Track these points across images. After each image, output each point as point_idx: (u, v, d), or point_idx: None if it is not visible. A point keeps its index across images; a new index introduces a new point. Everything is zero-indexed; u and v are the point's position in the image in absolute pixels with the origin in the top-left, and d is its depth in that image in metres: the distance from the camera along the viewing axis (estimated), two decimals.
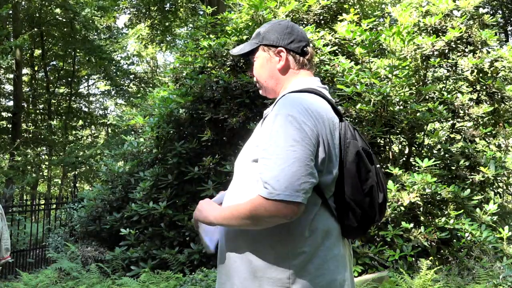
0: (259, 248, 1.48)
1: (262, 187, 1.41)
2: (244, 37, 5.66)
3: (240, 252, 1.51)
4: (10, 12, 14.52)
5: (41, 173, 17.24)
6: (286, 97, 1.54)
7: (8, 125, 17.20)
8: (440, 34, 5.33)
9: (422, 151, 5.59)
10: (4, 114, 17.69)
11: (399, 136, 5.68)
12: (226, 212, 1.50)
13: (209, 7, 7.19)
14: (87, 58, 17.43)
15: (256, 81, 1.73)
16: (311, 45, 1.75)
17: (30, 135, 17.57)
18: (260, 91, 1.75)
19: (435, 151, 5.56)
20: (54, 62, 19.30)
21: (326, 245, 1.50)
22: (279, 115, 1.46)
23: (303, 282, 1.45)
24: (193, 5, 17.73)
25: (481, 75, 5.36)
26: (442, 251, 4.64)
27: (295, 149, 1.40)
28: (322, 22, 6.16)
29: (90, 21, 15.47)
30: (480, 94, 5.50)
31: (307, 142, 1.42)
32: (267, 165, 1.41)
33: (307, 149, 1.41)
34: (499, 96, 5.38)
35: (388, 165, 5.03)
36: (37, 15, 15.94)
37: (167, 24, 18.15)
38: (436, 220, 4.55)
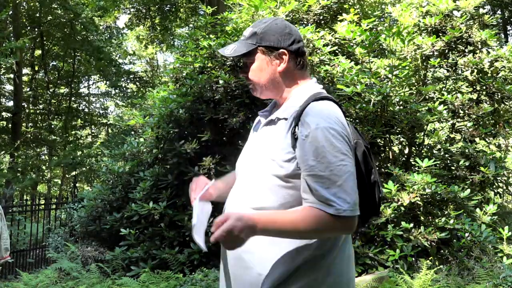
0: (285, 256, 1.45)
1: (320, 203, 1.38)
2: None
3: (264, 261, 1.46)
4: (10, 12, 14.52)
5: (41, 174, 17.21)
6: (314, 107, 1.47)
7: (8, 125, 17.20)
8: (440, 34, 5.33)
9: (422, 151, 5.58)
10: (4, 114, 17.69)
11: (399, 136, 5.68)
12: (270, 226, 1.39)
13: (209, 7, 7.19)
14: (87, 59, 17.43)
15: (251, 82, 1.63)
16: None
17: (30, 136, 17.57)
18: (254, 93, 1.65)
19: (435, 151, 5.56)
20: (54, 62, 19.30)
21: (345, 246, 1.53)
22: (319, 129, 1.41)
23: (330, 282, 1.46)
24: (193, 5, 17.72)
25: (481, 75, 5.36)
26: (442, 251, 4.64)
27: (346, 162, 1.40)
28: (322, 22, 6.16)
29: (90, 22, 15.46)
30: (480, 94, 5.50)
31: (351, 154, 1.45)
32: (321, 182, 1.38)
33: (352, 161, 1.44)
34: (499, 96, 5.39)
35: (388, 165, 5.03)
36: (37, 15, 15.94)
37: (167, 24, 18.16)
38: (436, 220, 4.55)
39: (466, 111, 5.24)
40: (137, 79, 20.64)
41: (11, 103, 17.54)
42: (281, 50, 1.57)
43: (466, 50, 5.39)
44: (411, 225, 4.46)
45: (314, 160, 1.39)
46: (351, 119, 5.08)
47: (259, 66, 1.59)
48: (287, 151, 1.45)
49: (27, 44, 13.13)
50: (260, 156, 1.52)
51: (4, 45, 13.00)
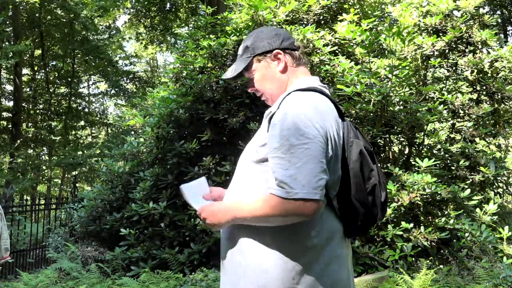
0: (263, 248, 1.47)
1: (275, 186, 1.40)
2: (244, 37, 5.65)
3: (245, 253, 1.50)
4: (10, 13, 14.51)
5: (41, 174, 17.21)
6: (292, 95, 1.53)
7: (8, 125, 17.21)
8: (441, 34, 5.33)
9: (422, 151, 5.59)
10: (4, 114, 17.69)
11: (399, 136, 5.68)
12: (238, 215, 1.49)
13: (209, 7, 7.20)
14: (85, 59, 17.43)
15: (260, 93, 1.70)
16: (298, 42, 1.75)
17: (30, 136, 17.58)
18: (268, 102, 1.71)
19: (435, 151, 5.57)
20: (54, 62, 19.30)
21: (330, 246, 1.50)
22: (288, 114, 1.45)
23: (308, 283, 1.44)
24: (193, 5, 17.72)
25: (481, 75, 5.37)
26: (442, 251, 4.64)
27: (309, 146, 1.40)
28: (322, 22, 6.16)
29: (90, 22, 15.46)
30: (480, 94, 5.51)
31: (319, 140, 1.42)
32: (281, 164, 1.40)
33: (319, 146, 1.42)
34: (499, 96, 5.39)
35: (388, 165, 5.03)
36: (37, 15, 15.93)
37: (167, 24, 18.16)
38: (436, 220, 4.55)
39: (466, 111, 5.24)
40: (137, 79, 20.66)
41: (11, 103, 17.55)
42: (275, 51, 1.64)
43: (466, 50, 5.39)
44: (411, 225, 4.46)
45: (278, 143, 1.43)
46: (351, 119, 5.08)
47: (261, 74, 1.66)
48: (264, 137, 1.51)
49: (28, 49, 13.10)
50: (248, 147, 1.60)
51: (4, 46, 12.98)
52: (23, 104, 17.13)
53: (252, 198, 1.48)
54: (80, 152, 16.04)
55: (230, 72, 1.70)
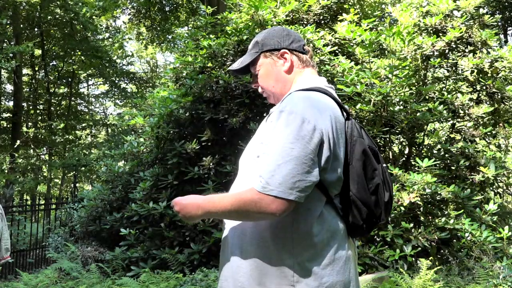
0: (263, 245, 1.47)
1: (258, 180, 1.41)
2: (244, 37, 5.67)
3: (244, 250, 1.50)
4: (10, 13, 14.51)
5: (41, 175, 17.19)
6: (292, 94, 1.54)
7: (8, 126, 17.20)
8: (441, 34, 5.34)
9: (422, 151, 5.59)
10: (4, 114, 17.68)
11: (399, 136, 5.68)
12: (211, 209, 1.49)
13: (209, 7, 7.20)
14: (83, 58, 17.42)
15: (263, 90, 1.71)
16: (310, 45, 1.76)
17: (30, 136, 17.57)
18: (270, 100, 1.72)
19: (435, 151, 5.57)
20: (54, 62, 19.30)
21: (332, 246, 1.49)
22: (283, 112, 1.46)
23: (308, 282, 1.44)
24: (194, 6, 17.72)
25: (481, 75, 5.37)
26: (442, 251, 4.64)
27: (293, 146, 1.40)
28: (322, 22, 6.17)
29: (90, 21, 15.46)
30: (480, 94, 5.51)
31: (308, 141, 1.41)
32: (265, 160, 1.42)
33: (306, 148, 1.40)
34: (499, 96, 5.39)
35: (388, 165, 5.03)
36: (37, 15, 15.93)
37: (167, 25, 18.16)
38: (436, 220, 4.55)
39: (466, 111, 5.25)
40: (137, 79, 20.64)
41: (11, 103, 17.54)
42: (282, 50, 1.66)
43: (466, 50, 5.39)
44: (411, 225, 4.46)
45: (268, 139, 1.45)
46: None
47: (266, 70, 1.68)
48: (262, 133, 1.54)
49: (29, 50, 13.09)
50: (251, 143, 1.61)
51: (4, 47, 12.97)
52: (23, 104, 17.12)
53: (228, 193, 1.50)
54: (83, 154, 16.00)
55: (237, 64, 1.72)
